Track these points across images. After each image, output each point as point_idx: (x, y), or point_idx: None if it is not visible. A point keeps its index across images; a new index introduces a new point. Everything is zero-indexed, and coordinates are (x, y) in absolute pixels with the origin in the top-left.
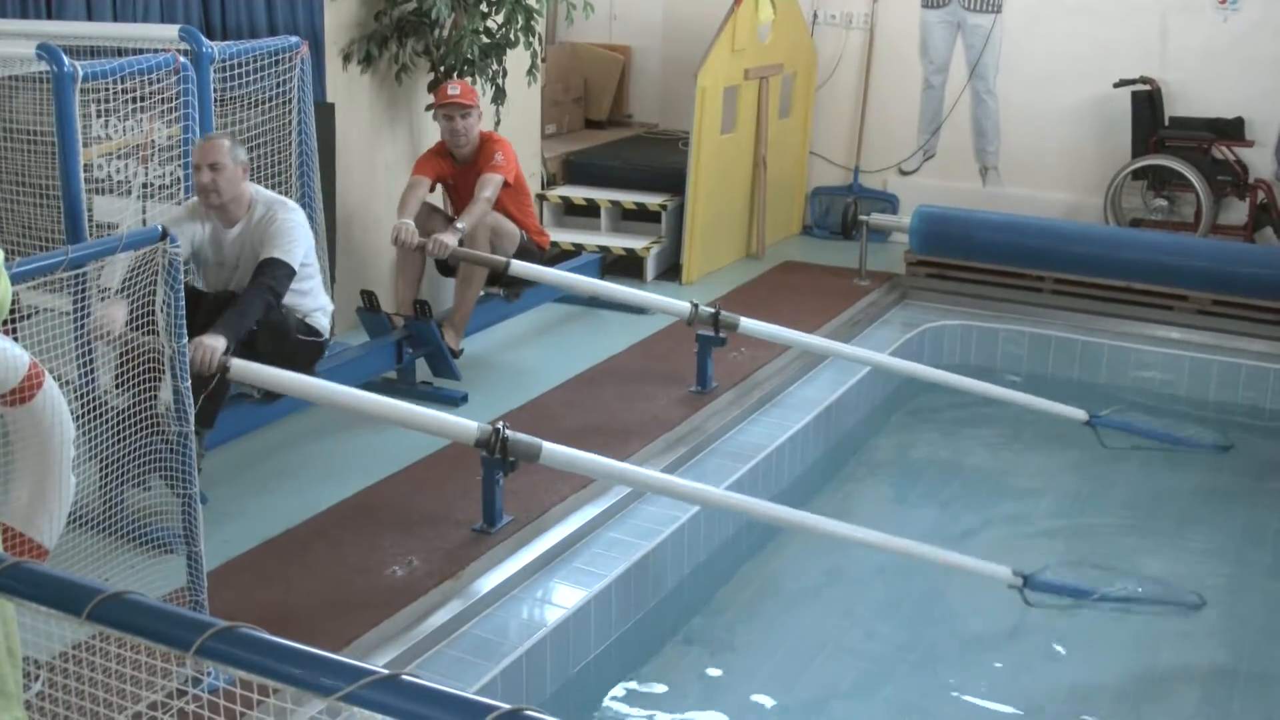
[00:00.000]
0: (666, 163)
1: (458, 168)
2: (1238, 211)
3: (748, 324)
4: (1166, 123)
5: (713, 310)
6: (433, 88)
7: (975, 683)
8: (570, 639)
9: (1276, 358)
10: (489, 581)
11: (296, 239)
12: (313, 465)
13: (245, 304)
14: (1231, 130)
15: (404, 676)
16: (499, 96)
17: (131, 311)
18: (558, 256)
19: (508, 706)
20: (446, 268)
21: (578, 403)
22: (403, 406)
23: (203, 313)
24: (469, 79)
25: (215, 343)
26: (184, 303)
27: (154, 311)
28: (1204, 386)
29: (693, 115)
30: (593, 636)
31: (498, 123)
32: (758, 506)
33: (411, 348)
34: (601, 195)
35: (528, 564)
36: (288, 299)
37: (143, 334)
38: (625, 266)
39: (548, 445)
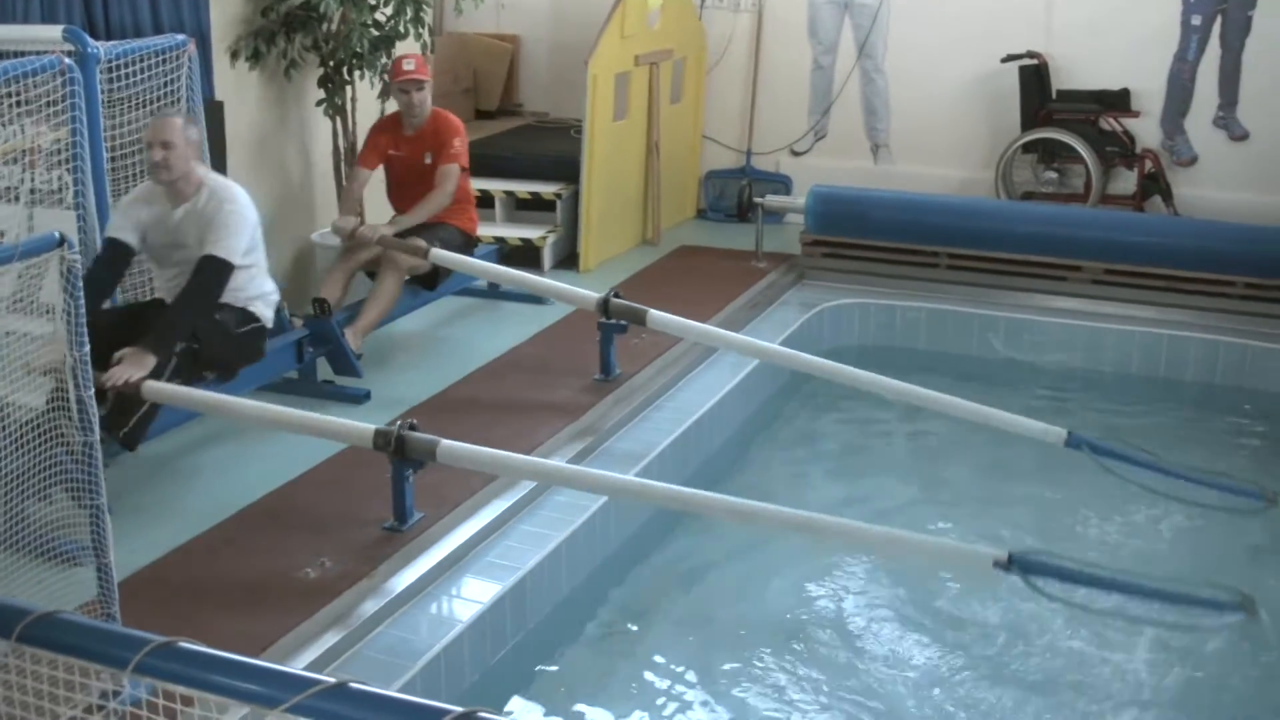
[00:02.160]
0: (559, 151)
1: (407, 136)
2: (1126, 181)
3: (656, 316)
4: (1054, 96)
5: (624, 303)
6: (322, 83)
7: (887, 660)
8: (487, 634)
9: (1168, 324)
10: (403, 580)
11: (240, 231)
12: (216, 469)
13: (176, 314)
14: (1118, 102)
15: (351, 684)
16: (388, 90)
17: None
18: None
19: (460, 709)
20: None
21: (483, 395)
22: (300, 414)
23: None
24: (358, 73)
25: (138, 363)
26: (85, 310)
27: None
28: (1098, 355)
29: (584, 103)
30: (509, 630)
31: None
32: (661, 490)
33: (312, 346)
34: (495, 186)
35: (441, 560)
36: (227, 290)
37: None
38: (522, 256)
39: (445, 442)
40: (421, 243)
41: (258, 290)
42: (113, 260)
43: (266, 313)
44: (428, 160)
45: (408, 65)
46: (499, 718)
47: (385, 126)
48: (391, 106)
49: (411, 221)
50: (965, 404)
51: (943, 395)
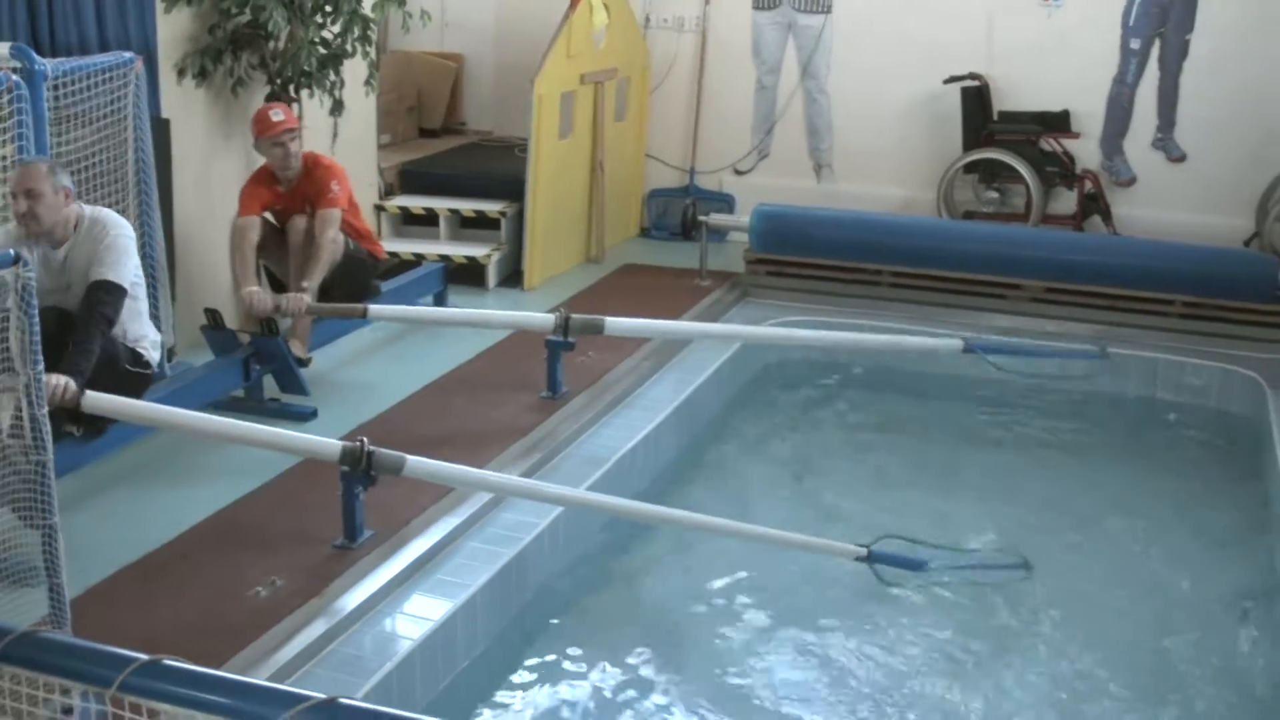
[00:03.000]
0: (503, 169)
1: (283, 192)
2: (1066, 201)
3: (613, 322)
4: (995, 117)
5: (581, 317)
6: (269, 100)
7: (835, 657)
8: (439, 651)
9: (1107, 340)
10: (354, 598)
11: (127, 258)
12: (161, 489)
13: (85, 341)
14: (1058, 123)
15: (341, 700)
16: (337, 108)
17: None
18: (399, 267)
19: None
20: (279, 284)
21: (429, 413)
22: (266, 430)
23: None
24: (306, 91)
25: (66, 381)
26: (39, 329)
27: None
28: (1040, 372)
29: (530, 121)
30: (460, 647)
31: (335, 135)
32: (617, 504)
33: (259, 364)
34: (440, 204)
35: (392, 578)
36: (115, 328)
37: None
38: (467, 275)
39: (411, 458)
40: (357, 306)
41: (143, 331)
42: None
43: (154, 356)
44: (308, 211)
45: (277, 116)
46: None
47: (261, 179)
48: (348, 123)
49: (316, 280)
50: (876, 337)
51: (870, 336)
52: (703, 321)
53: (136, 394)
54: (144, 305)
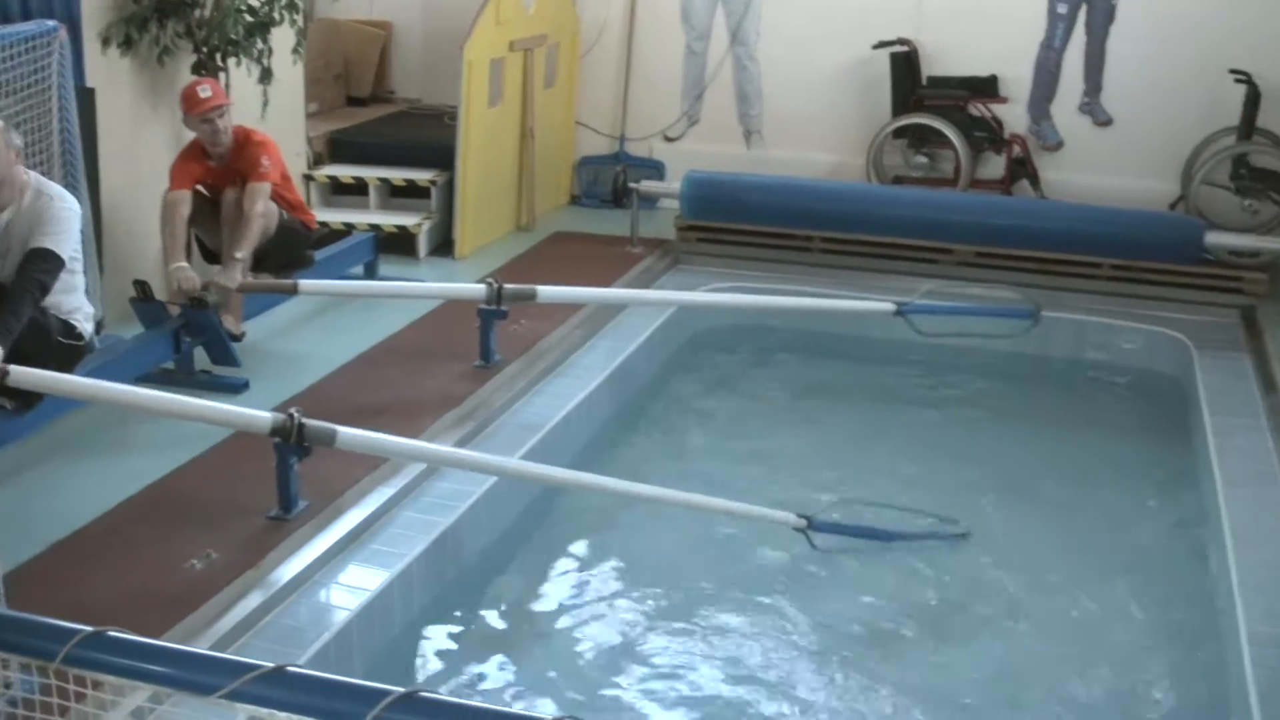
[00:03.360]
0: (433, 138)
1: (215, 167)
2: (995, 166)
3: (546, 290)
4: (924, 82)
5: (513, 286)
6: (196, 69)
7: (763, 624)
8: (376, 621)
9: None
10: (290, 569)
11: (70, 230)
12: (93, 463)
13: (15, 304)
14: (986, 88)
15: (289, 669)
16: (265, 76)
17: None
18: (329, 237)
19: (401, 690)
20: (212, 255)
21: (362, 384)
22: (196, 403)
23: None
24: (233, 59)
25: None
26: None
27: None
28: (969, 336)
29: (459, 89)
30: (398, 616)
31: (265, 103)
32: (550, 473)
33: (189, 336)
34: (369, 173)
35: (327, 549)
36: (49, 297)
37: None
38: (397, 244)
39: (343, 429)
40: (287, 281)
41: (77, 303)
42: None
43: (87, 328)
44: (238, 183)
45: (205, 93)
46: (440, 697)
47: (192, 154)
48: (276, 92)
49: (247, 251)
50: (808, 301)
51: (802, 300)
52: (635, 288)
53: (68, 366)
54: (81, 280)
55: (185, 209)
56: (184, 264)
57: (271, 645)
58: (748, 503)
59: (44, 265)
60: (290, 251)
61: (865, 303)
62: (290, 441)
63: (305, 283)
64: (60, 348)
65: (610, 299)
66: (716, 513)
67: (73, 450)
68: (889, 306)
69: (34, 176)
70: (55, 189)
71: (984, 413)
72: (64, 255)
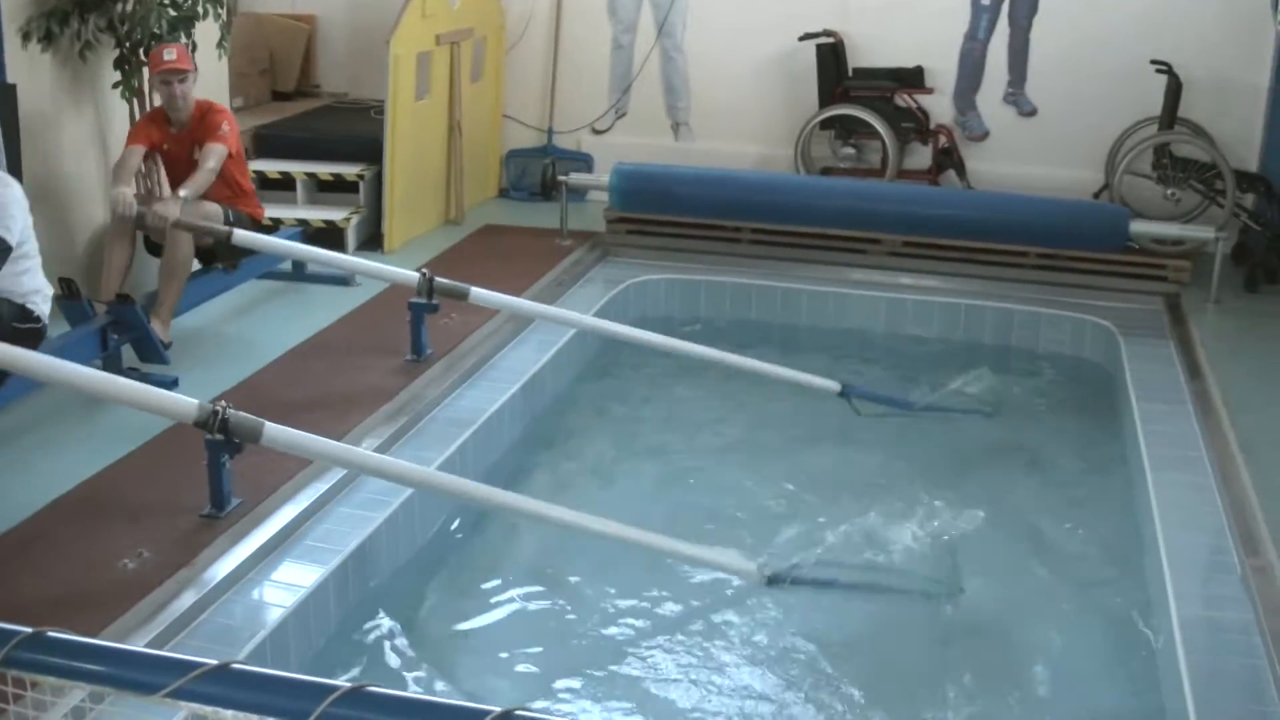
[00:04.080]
0: (360, 132)
1: (174, 134)
2: (921, 156)
3: (478, 293)
4: (850, 73)
5: (446, 281)
6: (119, 64)
7: (703, 658)
8: (311, 618)
9: (965, 293)
10: (223, 567)
11: (12, 215)
12: (20, 461)
13: None
14: (912, 79)
15: (234, 665)
16: None
17: None
18: (256, 231)
19: (348, 685)
20: (155, 246)
21: (293, 378)
22: (123, 382)
23: None
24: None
25: None
26: None
27: None
28: (900, 324)
29: (386, 83)
30: (333, 614)
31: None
32: (473, 489)
33: (116, 334)
34: (296, 168)
35: (261, 546)
36: (2, 283)
37: None
38: (326, 239)
39: (270, 425)
40: (222, 227)
41: (33, 284)
42: None
43: (44, 308)
44: (195, 155)
45: (168, 55)
46: (388, 692)
47: (153, 119)
48: (200, 87)
49: (191, 191)
50: (754, 362)
51: (734, 356)
52: (565, 284)
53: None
54: (36, 261)
55: (136, 160)
56: (128, 188)
57: (207, 644)
58: (699, 544)
59: None
60: (236, 246)
61: (810, 377)
62: (214, 433)
63: (239, 232)
64: (15, 334)
65: (540, 314)
66: (663, 553)
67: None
68: (834, 386)
69: None
70: None
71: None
72: (11, 241)
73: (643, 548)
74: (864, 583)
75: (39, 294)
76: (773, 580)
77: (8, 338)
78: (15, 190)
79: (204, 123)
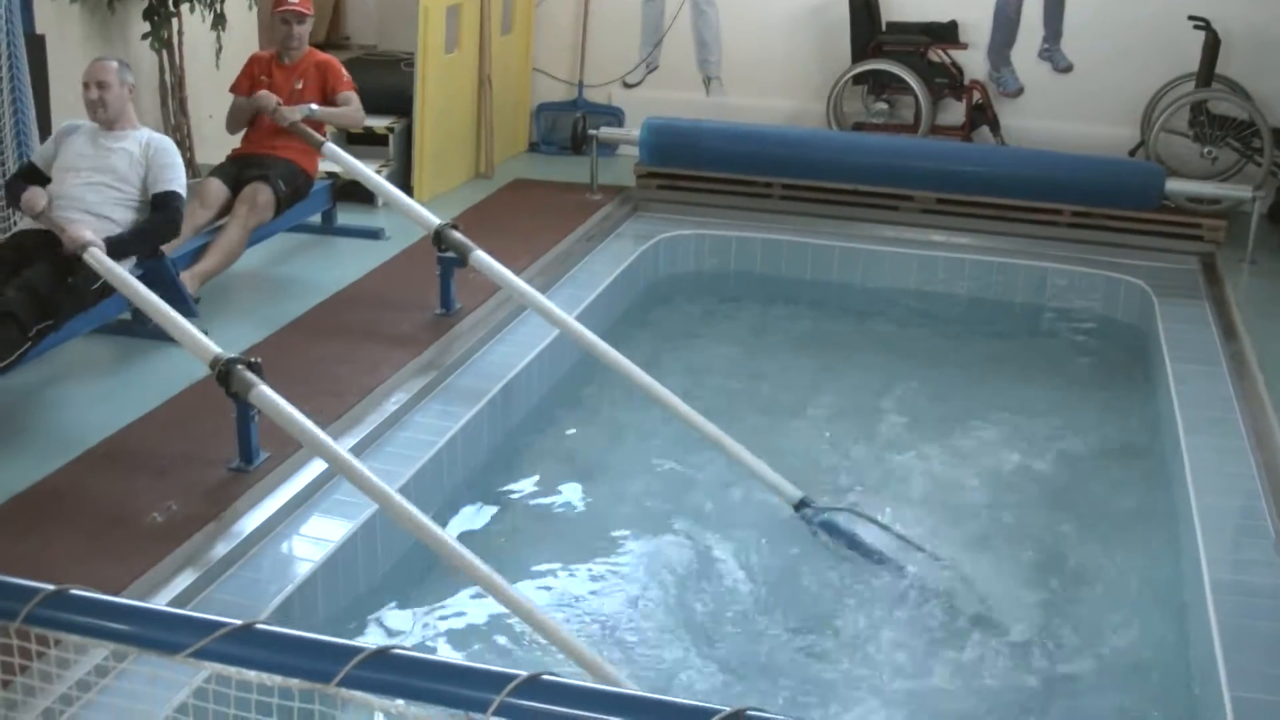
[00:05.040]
0: (390, 84)
1: (283, 65)
2: (955, 112)
3: (478, 256)
4: (884, 28)
5: (458, 235)
6: (147, 15)
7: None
8: (339, 572)
9: (997, 250)
10: (252, 520)
11: (182, 168)
12: (49, 415)
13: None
14: (946, 34)
15: (258, 625)
16: (219, 22)
17: None
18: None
19: (374, 646)
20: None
21: (322, 332)
22: (164, 307)
23: None
24: (186, 5)
25: None
26: None
27: None
28: (931, 281)
29: (415, 35)
30: (361, 568)
31: (219, 50)
32: (430, 530)
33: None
34: None
35: (290, 499)
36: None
37: None
38: (355, 192)
39: (261, 387)
40: (317, 136)
41: None
42: None
43: None
44: (298, 86)
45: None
46: (413, 654)
47: (261, 58)
48: (230, 38)
49: (325, 115)
50: (726, 441)
51: (705, 423)
52: (595, 239)
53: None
54: None
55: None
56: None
57: (234, 598)
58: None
59: (179, 204)
60: (290, 193)
61: (776, 480)
62: (218, 383)
63: (330, 146)
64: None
65: (525, 298)
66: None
67: (26, 403)
68: (793, 496)
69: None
70: (159, 138)
71: (946, 358)
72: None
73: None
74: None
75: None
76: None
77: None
78: (175, 150)
79: (317, 67)
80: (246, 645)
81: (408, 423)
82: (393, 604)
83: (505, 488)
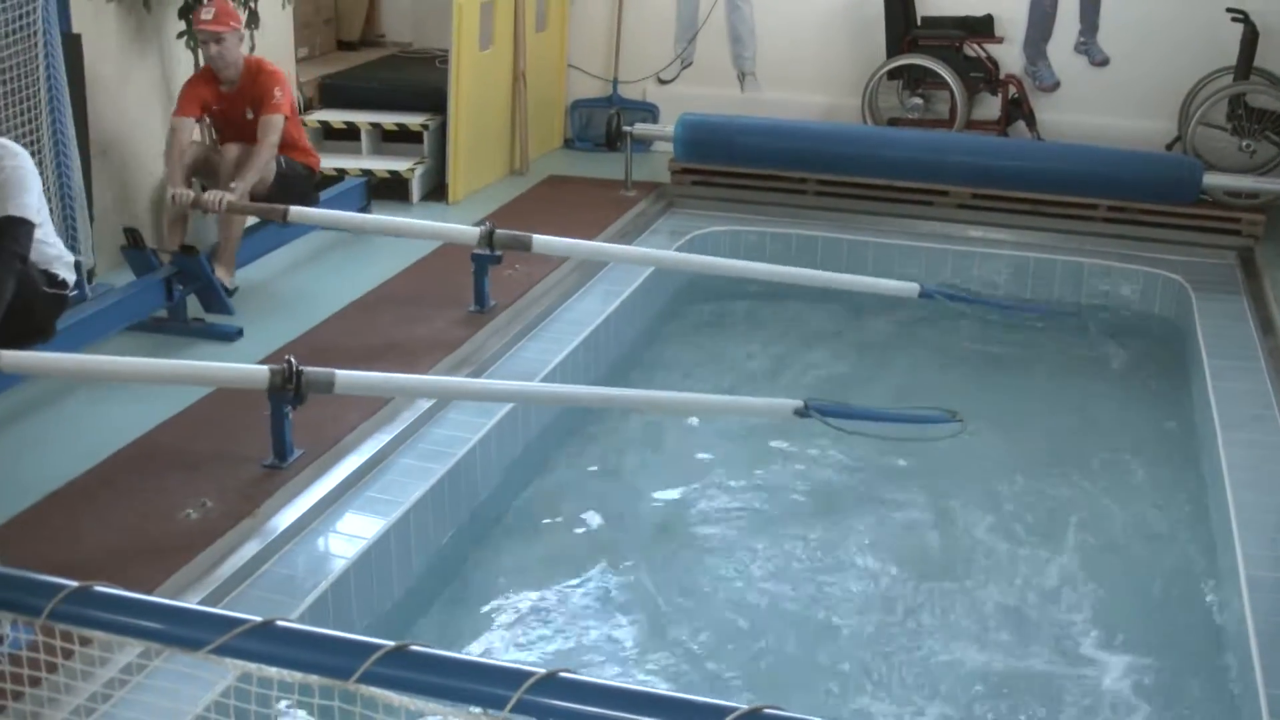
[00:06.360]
0: (425, 81)
1: (225, 93)
2: (990, 107)
3: (541, 240)
4: (919, 22)
5: (507, 232)
6: (183, 14)
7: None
8: (373, 569)
9: (1033, 246)
10: (286, 518)
11: (29, 187)
12: (82, 413)
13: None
14: (982, 27)
15: (278, 622)
16: (252, 20)
17: None
18: (321, 183)
19: (392, 644)
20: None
21: (356, 330)
22: (193, 366)
23: None
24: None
25: None
26: None
27: None
28: (967, 278)
29: (450, 32)
30: (395, 565)
31: (252, 48)
32: (558, 391)
33: (181, 284)
34: (361, 118)
35: (323, 497)
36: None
37: None
38: (390, 189)
39: (341, 373)
40: (278, 207)
41: (55, 253)
42: None
43: (69, 276)
44: (249, 115)
45: (204, 14)
46: (433, 651)
47: (203, 78)
48: (265, 36)
49: (247, 183)
50: (824, 274)
51: (807, 270)
52: (629, 235)
53: (56, 314)
54: (50, 229)
55: (186, 135)
56: (182, 189)
57: (268, 595)
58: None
59: (16, 233)
60: (294, 193)
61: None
62: (291, 392)
63: (295, 209)
64: (46, 297)
65: (607, 255)
66: (717, 411)
67: (61, 401)
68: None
69: None
70: (8, 147)
71: (979, 353)
72: (33, 218)
73: (698, 410)
74: (881, 414)
75: (59, 261)
76: (800, 413)
77: (40, 300)
78: (26, 160)
79: (255, 84)
80: (266, 642)
81: (442, 419)
82: (426, 599)
83: (541, 487)
